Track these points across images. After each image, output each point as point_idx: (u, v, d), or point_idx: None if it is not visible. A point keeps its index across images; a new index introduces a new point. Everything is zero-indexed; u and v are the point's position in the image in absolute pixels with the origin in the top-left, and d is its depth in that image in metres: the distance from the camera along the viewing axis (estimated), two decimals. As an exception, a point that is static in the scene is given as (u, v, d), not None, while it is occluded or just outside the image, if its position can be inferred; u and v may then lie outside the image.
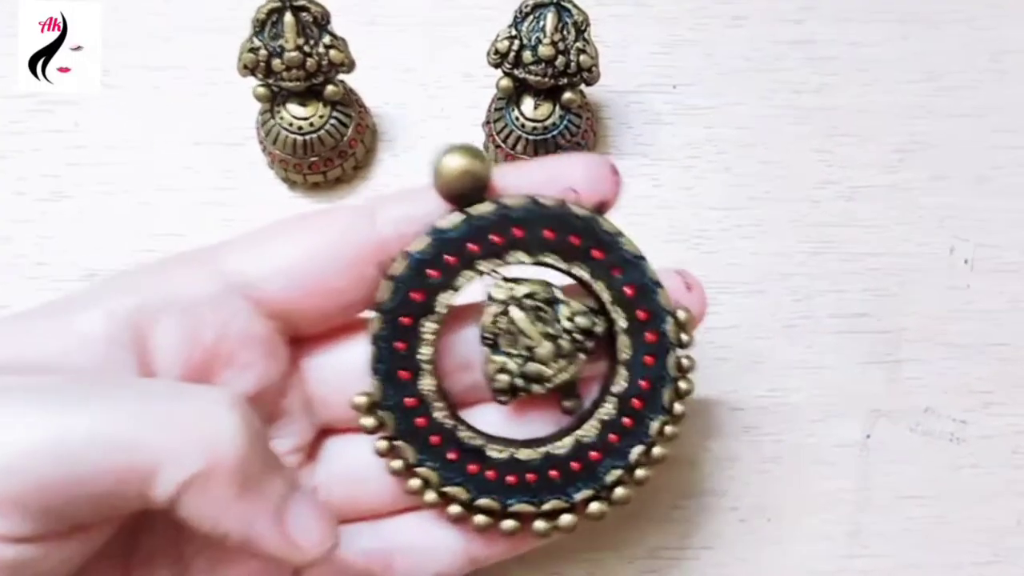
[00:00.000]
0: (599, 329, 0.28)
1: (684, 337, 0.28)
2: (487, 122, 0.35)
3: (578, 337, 0.27)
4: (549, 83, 0.33)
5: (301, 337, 0.28)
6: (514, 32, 0.33)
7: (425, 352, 0.27)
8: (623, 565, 0.33)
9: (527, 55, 0.33)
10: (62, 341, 0.25)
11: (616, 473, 0.28)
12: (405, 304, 0.27)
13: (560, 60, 0.33)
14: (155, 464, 0.22)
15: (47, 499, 0.21)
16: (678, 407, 0.28)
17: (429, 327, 0.27)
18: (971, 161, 0.37)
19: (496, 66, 0.33)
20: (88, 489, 0.22)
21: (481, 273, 0.27)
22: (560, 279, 0.28)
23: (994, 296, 0.35)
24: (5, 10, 0.37)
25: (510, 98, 0.34)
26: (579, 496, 0.28)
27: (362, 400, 0.27)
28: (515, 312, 0.27)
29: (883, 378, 0.34)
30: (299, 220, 0.27)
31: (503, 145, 0.35)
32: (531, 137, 0.34)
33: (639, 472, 0.28)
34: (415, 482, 0.28)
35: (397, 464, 0.28)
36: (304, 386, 0.28)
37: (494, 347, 0.28)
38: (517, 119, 0.34)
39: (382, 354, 0.27)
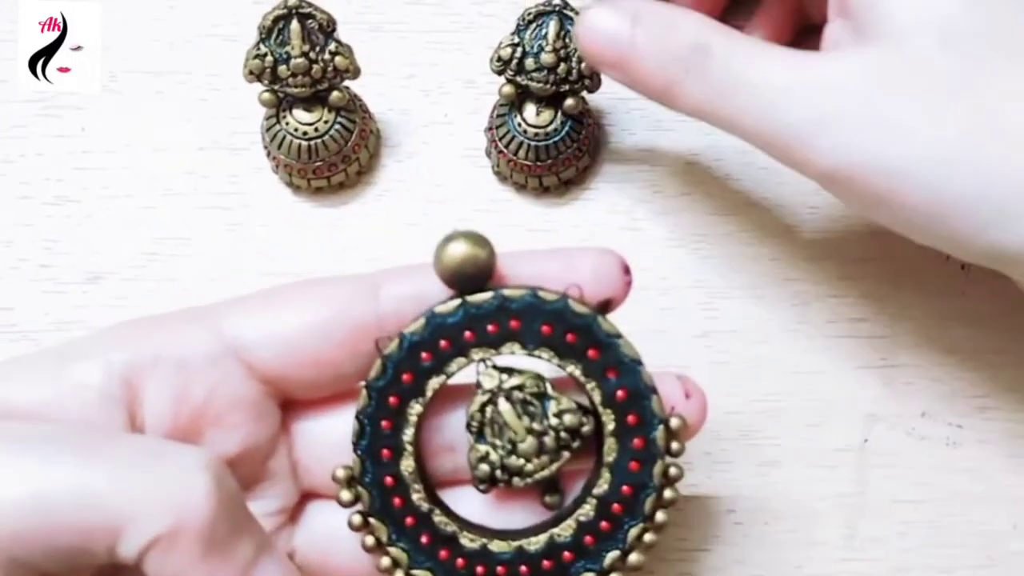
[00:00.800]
0: (587, 429, 0.27)
1: (675, 446, 0.28)
2: (489, 128, 0.36)
3: (564, 435, 0.27)
4: (551, 90, 0.33)
5: (293, 401, 0.28)
6: (517, 39, 0.33)
7: (409, 434, 0.27)
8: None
9: (529, 62, 0.33)
10: (57, 389, 0.25)
11: None
12: (395, 384, 0.27)
13: (562, 67, 0.33)
14: (123, 521, 0.22)
15: (18, 550, 0.22)
16: (660, 516, 0.28)
17: (416, 409, 0.27)
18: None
19: (499, 73, 0.34)
20: (59, 543, 0.22)
21: (473, 360, 0.27)
22: (554, 371, 0.28)
23: (989, 302, 0.35)
24: (6, 15, 0.38)
25: (512, 104, 0.35)
26: None
27: (342, 473, 0.27)
28: (502, 404, 0.27)
29: (879, 383, 0.35)
30: (302, 287, 0.28)
31: (505, 151, 0.35)
32: (533, 143, 0.35)
33: None
34: (385, 560, 0.28)
35: (370, 540, 0.28)
36: (292, 450, 0.29)
37: (479, 435, 0.28)
38: (519, 125, 0.35)
39: (366, 431, 0.27)
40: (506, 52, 0.33)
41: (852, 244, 0.36)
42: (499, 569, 0.28)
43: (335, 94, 0.34)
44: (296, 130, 0.34)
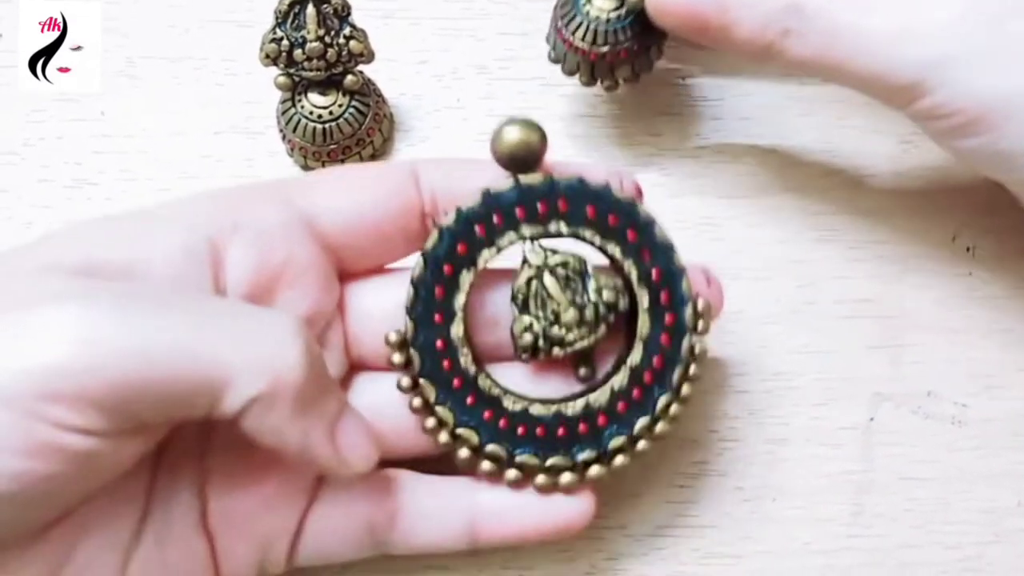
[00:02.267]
0: (623, 305, 0.30)
1: (700, 324, 0.30)
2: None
3: (602, 310, 0.30)
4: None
5: (346, 274, 0.30)
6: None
7: (460, 300, 0.29)
8: (630, 543, 0.34)
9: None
10: (145, 249, 0.26)
11: (619, 440, 0.30)
12: (450, 254, 0.29)
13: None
14: (227, 379, 0.24)
15: (125, 400, 0.23)
16: (685, 388, 0.30)
17: (468, 278, 0.29)
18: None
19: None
20: (164, 395, 0.23)
21: (523, 236, 0.29)
22: (593, 259, 0.30)
23: (996, 283, 0.36)
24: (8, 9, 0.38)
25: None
26: (581, 456, 0.30)
27: (395, 337, 0.29)
28: (547, 278, 0.29)
29: (886, 362, 0.35)
30: (361, 168, 0.31)
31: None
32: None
33: (640, 444, 0.30)
34: (431, 421, 0.29)
35: (417, 402, 0.29)
36: (344, 322, 0.30)
37: (523, 307, 0.30)
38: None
39: (420, 297, 0.29)
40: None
41: (859, 225, 0.36)
42: (538, 430, 0.30)
43: (349, 78, 0.34)
44: (311, 113, 0.35)
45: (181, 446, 0.28)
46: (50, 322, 0.23)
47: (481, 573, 0.33)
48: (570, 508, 0.30)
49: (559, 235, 0.30)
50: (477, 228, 0.29)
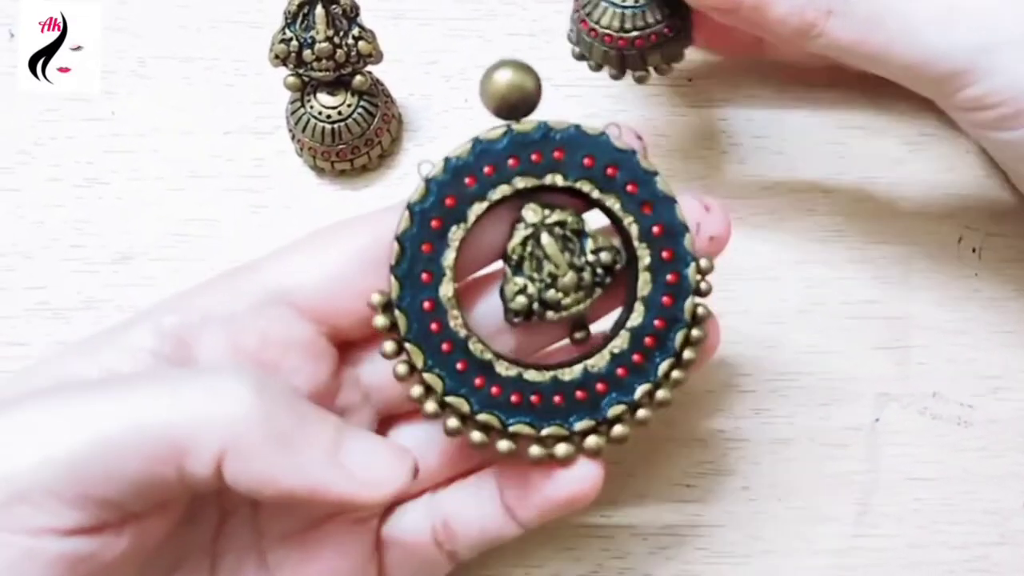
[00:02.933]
0: (619, 266, 0.28)
1: (703, 285, 0.28)
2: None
3: (599, 271, 0.28)
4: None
5: (352, 342, 0.29)
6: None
7: (449, 258, 0.27)
8: (636, 542, 0.34)
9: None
10: (113, 355, 0.26)
11: (619, 408, 0.28)
12: (437, 207, 0.27)
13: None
14: (183, 441, 0.23)
15: (87, 487, 0.23)
16: (688, 353, 0.28)
17: (457, 233, 0.27)
18: (978, 153, 0.37)
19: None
20: (124, 473, 0.23)
21: (516, 188, 0.27)
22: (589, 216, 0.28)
23: (1002, 284, 0.36)
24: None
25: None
26: (579, 426, 0.28)
27: (378, 299, 0.27)
28: (545, 238, 0.28)
29: (892, 363, 0.35)
30: (331, 227, 0.28)
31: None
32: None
33: (641, 412, 0.28)
34: (417, 389, 0.27)
35: (402, 369, 0.27)
36: (359, 381, 0.29)
37: (517, 268, 0.28)
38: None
39: (406, 253, 0.27)
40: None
41: (864, 226, 0.36)
42: (533, 398, 0.27)
43: (358, 78, 0.35)
44: (320, 113, 0.35)
45: (236, 540, 0.28)
46: None
47: (488, 572, 0.33)
48: (574, 476, 0.28)
49: (554, 187, 0.28)
50: (467, 179, 0.27)
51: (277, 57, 0.34)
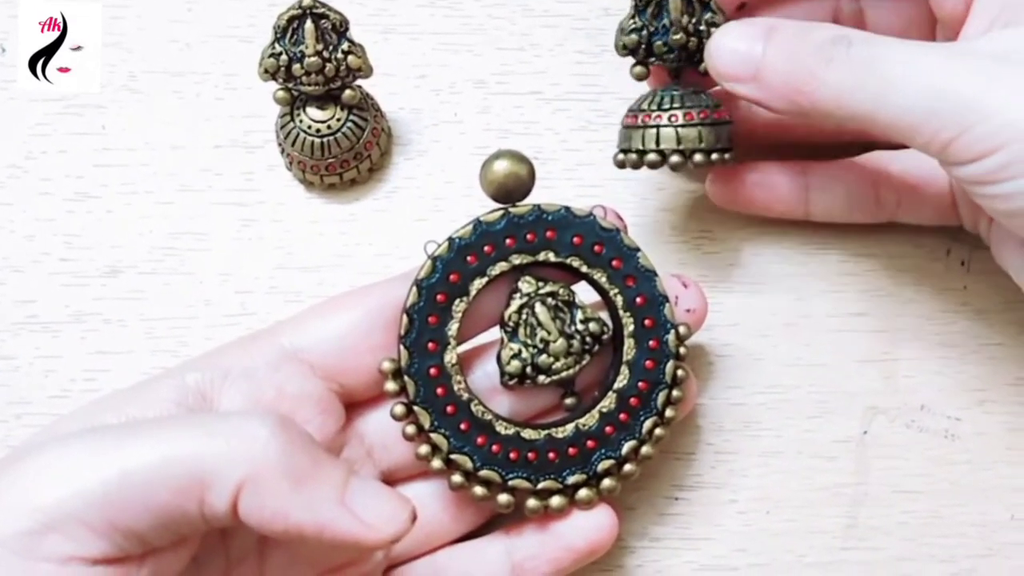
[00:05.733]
0: (607, 337, 0.31)
1: (682, 350, 0.31)
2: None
3: (588, 340, 0.31)
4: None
5: (359, 401, 0.32)
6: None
7: (453, 328, 0.30)
8: (625, 555, 0.34)
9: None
10: (138, 409, 0.29)
11: (607, 463, 0.31)
12: (443, 283, 0.30)
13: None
14: (206, 474, 0.25)
15: (115, 518, 0.24)
16: (669, 412, 0.31)
17: (460, 306, 0.30)
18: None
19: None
20: (151, 505, 0.24)
21: (512, 264, 0.30)
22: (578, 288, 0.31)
23: (989, 297, 0.36)
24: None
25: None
26: (571, 480, 0.31)
27: (388, 366, 0.30)
28: (539, 307, 0.30)
29: (880, 376, 0.35)
30: (346, 293, 0.32)
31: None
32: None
33: (627, 467, 0.31)
34: (424, 448, 0.30)
35: (411, 429, 0.30)
36: (363, 438, 0.32)
37: (512, 334, 0.31)
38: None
39: (414, 325, 0.30)
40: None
41: (852, 239, 0.37)
42: (530, 455, 0.30)
43: (348, 92, 0.35)
44: (309, 127, 0.35)
45: None
46: (30, 468, 0.25)
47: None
48: (591, 525, 0.31)
49: (547, 263, 0.31)
50: (469, 257, 0.30)
51: (267, 71, 0.34)
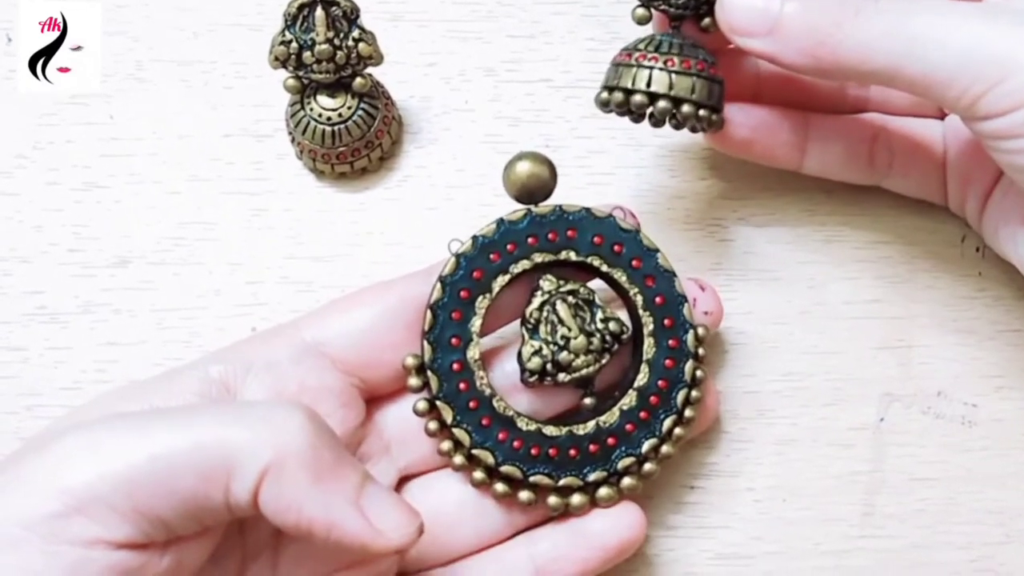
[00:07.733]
0: (626, 336, 0.31)
1: (701, 350, 0.31)
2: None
3: (608, 338, 0.31)
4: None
5: (379, 396, 0.32)
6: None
7: (476, 324, 0.30)
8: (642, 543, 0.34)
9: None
10: (161, 399, 0.29)
11: (627, 460, 0.31)
12: (466, 279, 0.31)
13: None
14: (233, 457, 0.25)
15: (141, 502, 0.24)
16: (688, 411, 0.31)
17: (483, 303, 0.31)
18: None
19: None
20: (177, 490, 0.24)
21: (535, 262, 0.31)
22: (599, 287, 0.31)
23: (1005, 284, 0.36)
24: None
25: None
26: (592, 477, 0.31)
27: (411, 361, 0.30)
28: (560, 304, 0.31)
29: (896, 363, 0.35)
30: (367, 288, 0.32)
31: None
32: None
33: (647, 466, 0.31)
34: (447, 444, 0.31)
35: (434, 424, 0.30)
36: (382, 433, 0.32)
37: (533, 332, 0.31)
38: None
39: (438, 320, 0.30)
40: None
41: (867, 226, 0.36)
42: (551, 451, 0.30)
43: (358, 80, 0.34)
44: (320, 116, 0.35)
45: None
46: (57, 451, 0.25)
47: None
48: (621, 524, 0.31)
49: (568, 262, 0.31)
50: (492, 255, 0.31)
51: (277, 59, 0.34)
